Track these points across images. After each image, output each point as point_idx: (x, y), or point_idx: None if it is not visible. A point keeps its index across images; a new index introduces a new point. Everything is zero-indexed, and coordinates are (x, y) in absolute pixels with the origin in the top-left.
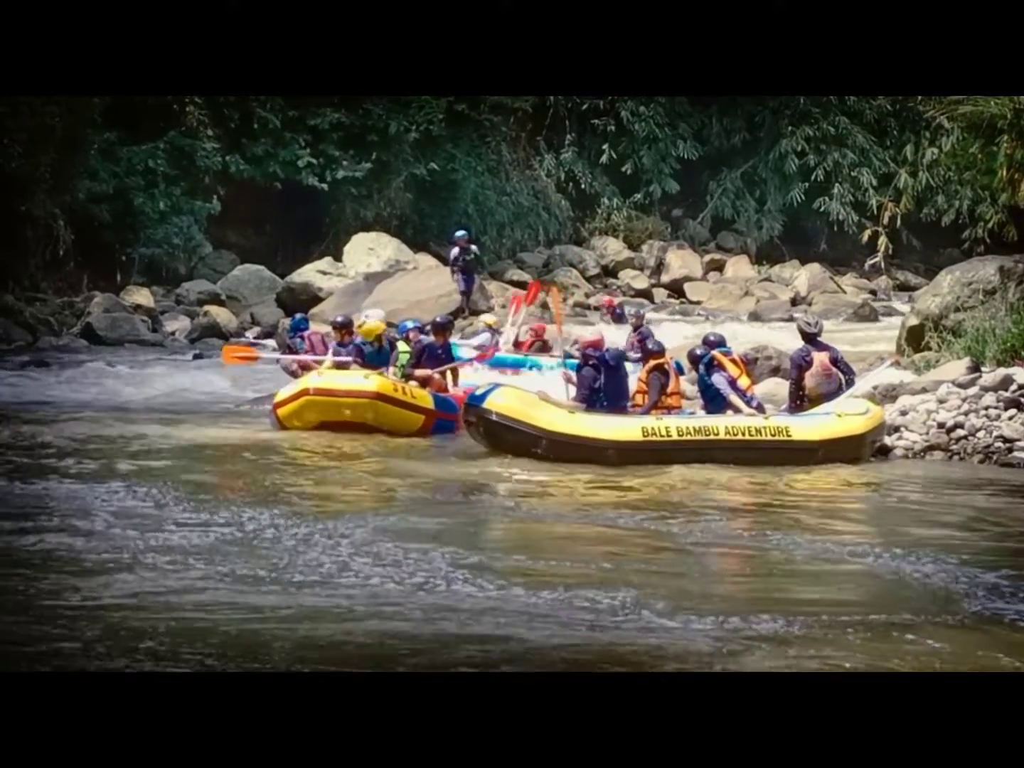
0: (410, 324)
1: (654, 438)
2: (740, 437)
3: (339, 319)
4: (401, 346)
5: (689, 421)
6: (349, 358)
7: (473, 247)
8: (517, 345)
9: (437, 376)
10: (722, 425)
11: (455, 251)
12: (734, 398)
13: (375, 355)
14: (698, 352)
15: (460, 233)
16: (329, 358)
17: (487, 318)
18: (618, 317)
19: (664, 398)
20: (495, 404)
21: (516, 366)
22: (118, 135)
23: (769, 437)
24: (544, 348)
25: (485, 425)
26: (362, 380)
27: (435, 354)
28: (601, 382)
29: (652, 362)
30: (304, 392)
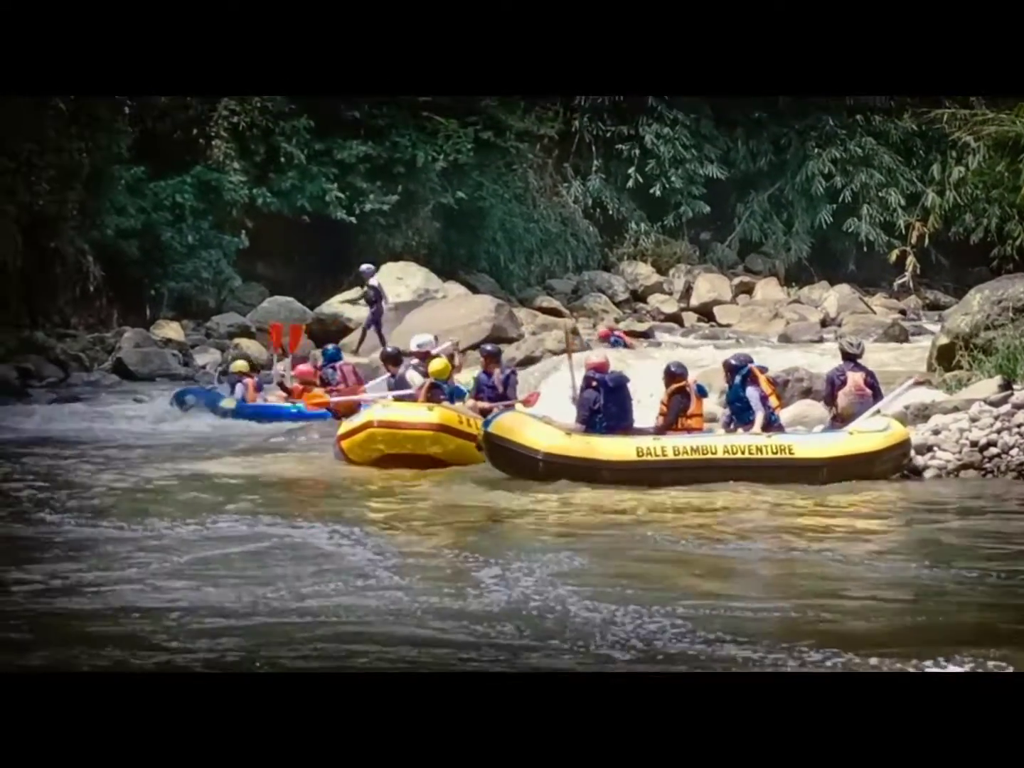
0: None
1: (648, 458)
2: (739, 455)
3: (388, 351)
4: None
5: (686, 440)
6: (411, 390)
7: (372, 281)
8: (285, 390)
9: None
10: (720, 444)
11: (376, 284)
12: (760, 415)
13: (452, 393)
14: (734, 362)
15: (368, 267)
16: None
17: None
18: (612, 347)
19: (684, 420)
20: (497, 426)
21: (277, 416)
22: (145, 170)
23: (770, 455)
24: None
25: (488, 447)
26: (425, 412)
27: (487, 383)
28: (601, 404)
29: (674, 385)
30: (368, 424)
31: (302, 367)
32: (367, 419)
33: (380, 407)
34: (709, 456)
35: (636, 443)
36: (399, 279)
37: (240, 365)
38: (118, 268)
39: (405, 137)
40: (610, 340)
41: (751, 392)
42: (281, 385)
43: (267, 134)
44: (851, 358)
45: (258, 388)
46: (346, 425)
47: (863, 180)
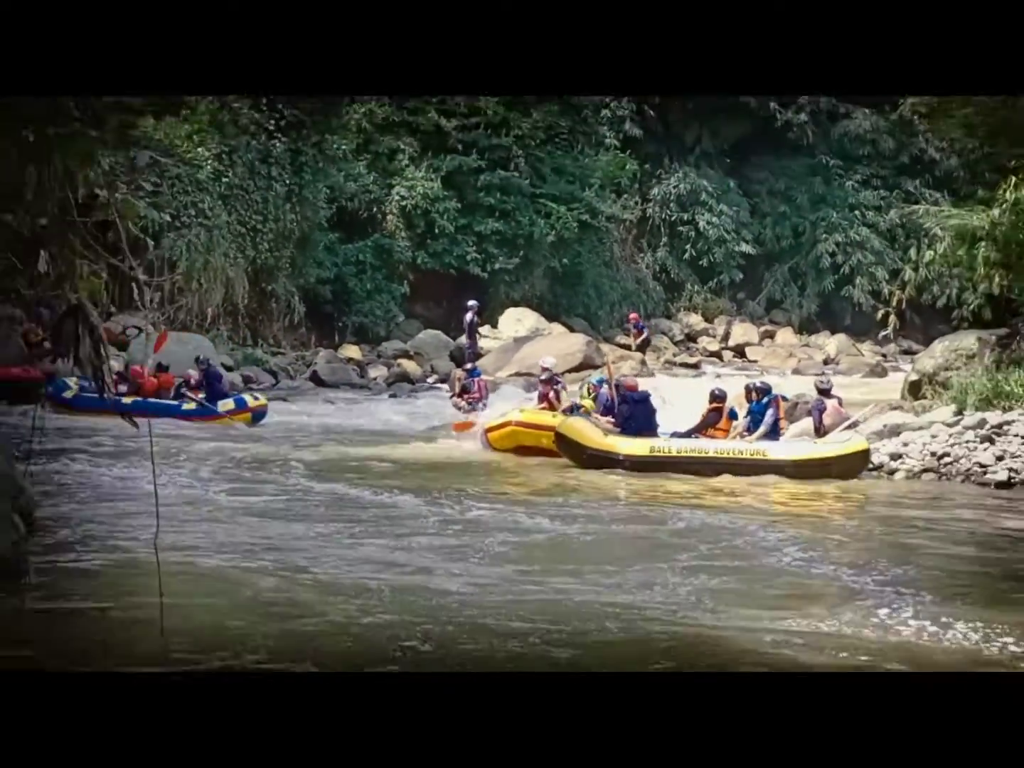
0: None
1: (659, 454)
2: (725, 456)
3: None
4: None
5: (687, 443)
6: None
7: (468, 316)
8: (124, 381)
9: None
10: (712, 447)
11: (470, 316)
12: (760, 431)
13: (574, 408)
14: (760, 386)
15: (474, 303)
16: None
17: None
18: (639, 331)
19: (712, 431)
20: (562, 426)
21: (101, 407)
22: (339, 236)
23: (748, 456)
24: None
25: (558, 441)
26: (551, 418)
27: (607, 405)
28: (630, 413)
29: (713, 404)
30: (509, 423)
31: (136, 367)
32: (509, 419)
33: (518, 412)
34: (703, 455)
35: (651, 443)
36: (518, 320)
37: None
38: (316, 306)
39: (526, 218)
40: (637, 325)
41: (770, 413)
42: (121, 375)
43: (426, 213)
44: (824, 392)
45: (119, 382)
46: (492, 421)
47: (858, 258)
